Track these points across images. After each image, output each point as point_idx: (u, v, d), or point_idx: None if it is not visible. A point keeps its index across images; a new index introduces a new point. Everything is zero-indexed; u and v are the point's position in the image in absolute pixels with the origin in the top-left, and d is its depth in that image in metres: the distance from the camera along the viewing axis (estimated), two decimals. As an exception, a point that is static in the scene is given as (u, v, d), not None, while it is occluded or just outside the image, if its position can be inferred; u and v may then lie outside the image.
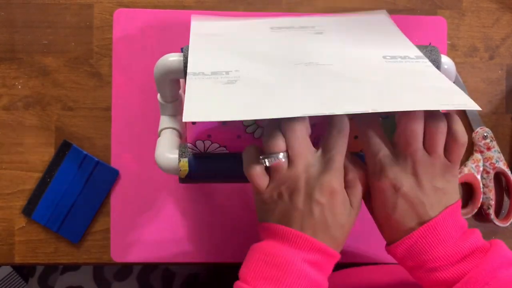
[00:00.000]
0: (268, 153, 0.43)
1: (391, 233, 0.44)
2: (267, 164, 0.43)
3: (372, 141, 0.44)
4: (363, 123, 0.45)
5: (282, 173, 0.42)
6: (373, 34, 0.55)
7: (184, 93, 0.58)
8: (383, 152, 0.43)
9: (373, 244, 0.66)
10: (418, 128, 0.42)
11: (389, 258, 0.47)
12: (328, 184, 0.41)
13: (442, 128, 0.42)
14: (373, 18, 0.59)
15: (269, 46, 0.52)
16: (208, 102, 0.41)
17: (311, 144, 0.43)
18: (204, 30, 0.55)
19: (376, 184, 0.43)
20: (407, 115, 0.42)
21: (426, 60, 0.48)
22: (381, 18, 0.59)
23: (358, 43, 0.53)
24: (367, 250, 0.67)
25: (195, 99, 0.41)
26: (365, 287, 0.56)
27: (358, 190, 0.44)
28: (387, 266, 0.62)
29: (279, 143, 0.42)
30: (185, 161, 0.49)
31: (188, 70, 0.45)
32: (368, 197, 0.46)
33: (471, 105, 0.40)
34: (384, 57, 0.49)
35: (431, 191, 0.42)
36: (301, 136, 0.42)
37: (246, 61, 0.48)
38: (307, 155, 0.42)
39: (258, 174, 0.43)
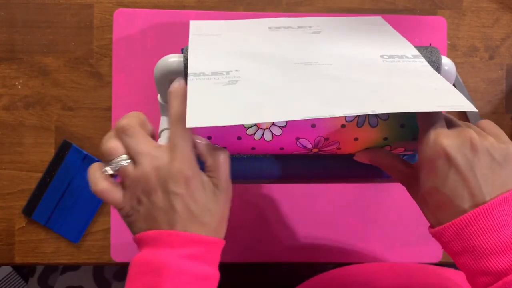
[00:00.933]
0: (108, 161, 0.41)
1: (438, 212, 0.40)
2: (111, 172, 0.41)
3: (433, 114, 0.41)
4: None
5: (131, 177, 0.40)
6: (370, 33, 0.56)
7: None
8: (441, 123, 0.41)
9: (373, 243, 0.67)
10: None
11: (390, 258, 0.47)
12: (179, 172, 0.39)
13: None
14: (369, 19, 0.60)
15: (268, 45, 0.52)
16: (210, 106, 0.41)
17: (150, 138, 0.42)
18: (203, 30, 0.55)
19: (426, 153, 0.40)
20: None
21: (423, 59, 0.48)
22: (377, 20, 0.59)
23: (355, 42, 0.53)
24: (367, 249, 0.67)
25: (196, 103, 0.41)
26: (367, 286, 0.56)
27: (221, 172, 0.42)
28: (388, 264, 0.62)
29: (115, 145, 0.41)
30: None
31: (189, 71, 0.45)
32: (408, 180, 0.44)
33: (467, 106, 0.39)
34: (381, 56, 0.49)
35: (488, 163, 0.38)
36: (136, 132, 0.41)
37: (246, 61, 0.48)
38: (149, 150, 0.40)
39: (106, 189, 0.41)
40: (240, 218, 0.65)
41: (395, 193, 0.67)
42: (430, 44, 0.52)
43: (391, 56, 0.49)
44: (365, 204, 0.67)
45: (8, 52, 0.64)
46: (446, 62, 0.50)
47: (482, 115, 0.68)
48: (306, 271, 0.62)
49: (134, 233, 0.42)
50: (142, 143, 0.40)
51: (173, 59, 0.49)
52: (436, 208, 0.40)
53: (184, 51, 0.49)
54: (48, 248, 0.65)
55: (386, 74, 0.46)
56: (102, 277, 0.80)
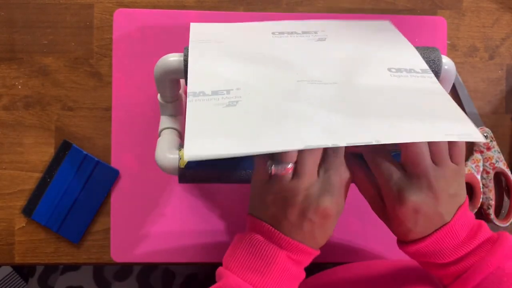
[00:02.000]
0: (277, 160, 0.44)
1: (405, 236, 0.45)
2: (273, 171, 0.44)
3: (384, 166, 0.45)
4: (370, 151, 0.46)
5: (283, 183, 0.44)
6: (377, 41, 0.54)
7: (184, 93, 0.58)
8: (396, 175, 0.44)
9: (373, 243, 0.67)
10: (423, 147, 0.43)
11: (390, 258, 0.47)
12: (323, 207, 0.43)
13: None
14: (377, 24, 0.58)
15: (271, 58, 0.50)
16: (209, 135, 0.40)
17: (317, 168, 0.45)
18: (203, 36, 0.54)
19: (396, 209, 0.44)
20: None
21: (432, 75, 0.47)
22: (386, 25, 0.58)
23: (362, 51, 0.51)
24: (367, 249, 0.67)
25: (195, 132, 0.40)
26: (364, 281, 0.56)
27: (345, 192, 0.46)
28: (386, 261, 0.62)
29: (293, 154, 0.44)
30: None
31: (188, 90, 0.44)
32: (377, 203, 0.47)
33: (475, 136, 0.40)
34: (389, 69, 0.48)
35: (447, 200, 0.44)
36: (314, 157, 0.44)
37: (247, 77, 0.46)
38: (312, 176, 0.44)
39: (264, 166, 0.45)
40: (240, 218, 0.65)
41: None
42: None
43: (399, 70, 0.48)
44: (365, 204, 0.67)
45: (8, 52, 0.64)
46: (446, 61, 0.50)
47: (481, 116, 0.68)
48: (306, 271, 0.62)
49: (253, 213, 0.46)
50: (313, 168, 0.44)
51: (173, 59, 0.49)
52: (404, 235, 0.45)
53: (185, 50, 0.49)
54: (48, 248, 0.64)
55: (392, 95, 0.45)
56: (102, 277, 0.80)
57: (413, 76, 0.47)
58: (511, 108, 0.69)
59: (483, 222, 0.46)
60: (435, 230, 0.44)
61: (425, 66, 0.48)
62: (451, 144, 0.44)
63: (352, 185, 0.67)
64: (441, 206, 0.43)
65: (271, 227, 0.44)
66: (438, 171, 0.43)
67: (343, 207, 0.46)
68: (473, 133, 0.40)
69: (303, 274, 0.46)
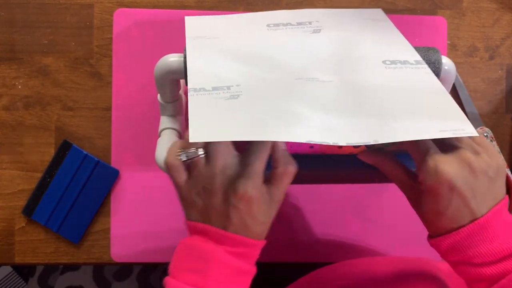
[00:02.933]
0: (187, 148, 0.44)
1: (438, 226, 0.43)
2: (184, 158, 0.43)
3: (420, 141, 0.43)
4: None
5: (198, 169, 0.43)
6: (370, 32, 0.54)
7: (185, 94, 0.58)
8: (433, 149, 0.42)
9: (373, 243, 0.67)
10: None
11: (389, 254, 0.47)
12: (243, 191, 0.42)
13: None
14: (369, 12, 0.58)
15: (269, 54, 0.50)
16: (213, 120, 0.41)
17: (232, 148, 0.44)
18: (199, 31, 0.54)
19: (431, 185, 0.42)
20: None
21: (425, 66, 0.48)
22: (378, 14, 0.58)
23: (357, 44, 0.52)
24: (368, 249, 0.67)
25: (199, 117, 0.41)
26: (366, 278, 0.56)
27: (283, 184, 0.44)
28: (387, 257, 0.62)
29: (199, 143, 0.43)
30: None
31: (189, 86, 0.45)
32: (407, 184, 0.46)
33: (468, 130, 0.40)
34: (384, 62, 0.48)
35: (484, 181, 0.41)
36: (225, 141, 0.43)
37: (246, 76, 0.46)
38: (225, 156, 0.43)
39: (176, 166, 0.44)
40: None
41: (396, 193, 0.67)
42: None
43: (393, 62, 0.48)
44: (366, 204, 0.67)
45: (8, 52, 0.64)
46: (446, 62, 0.50)
47: (482, 115, 0.68)
48: (306, 271, 0.62)
49: (187, 218, 0.45)
50: (223, 148, 0.43)
51: (173, 59, 0.49)
52: (436, 222, 0.43)
53: (185, 50, 0.49)
54: (48, 248, 0.64)
55: (388, 90, 0.45)
56: (102, 277, 0.80)
57: (407, 67, 0.47)
58: (511, 108, 0.69)
59: None
60: (470, 221, 0.41)
61: (418, 57, 0.49)
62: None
63: (352, 185, 0.67)
64: (478, 186, 0.41)
65: (203, 224, 0.43)
66: (476, 146, 0.42)
67: (280, 197, 0.44)
68: (467, 128, 0.41)
69: (252, 269, 0.44)
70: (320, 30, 0.54)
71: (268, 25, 0.55)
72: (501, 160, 0.43)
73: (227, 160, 0.43)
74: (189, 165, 0.44)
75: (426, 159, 0.42)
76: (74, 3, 0.65)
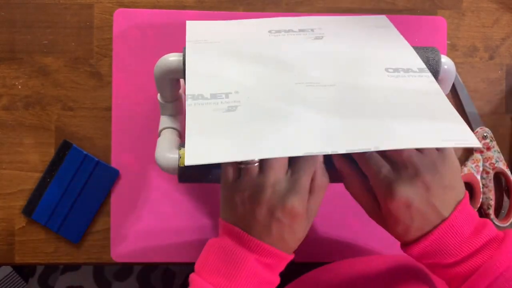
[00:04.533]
0: None
1: (406, 237, 0.44)
2: (240, 164, 0.44)
3: (372, 161, 0.44)
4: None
5: (250, 177, 0.44)
6: (374, 39, 0.53)
7: (184, 93, 0.58)
8: (385, 169, 0.44)
9: (373, 243, 0.67)
10: None
11: (387, 251, 0.47)
12: (290, 206, 0.42)
13: None
14: (373, 20, 0.58)
15: (269, 59, 0.50)
16: (210, 141, 0.40)
17: (286, 162, 0.44)
18: (200, 35, 0.53)
19: (388, 205, 0.43)
20: None
21: (429, 74, 0.47)
22: (382, 21, 0.57)
23: (359, 51, 0.51)
24: (367, 249, 0.67)
25: (196, 138, 0.40)
26: (361, 277, 0.57)
27: (320, 196, 0.46)
28: (383, 256, 0.62)
29: None
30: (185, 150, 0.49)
31: (187, 92, 0.44)
32: (371, 206, 0.47)
33: (471, 142, 0.40)
34: (386, 69, 0.47)
35: (441, 192, 0.42)
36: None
37: (245, 81, 0.46)
38: (279, 171, 0.43)
39: (232, 164, 0.45)
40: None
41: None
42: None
43: (396, 70, 0.47)
44: (365, 204, 0.67)
45: (8, 52, 0.64)
46: (446, 61, 0.50)
47: (481, 116, 0.68)
48: (305, 271, 0.62)
49: (223, 217, 0.46)
50: (278, 163, 0.44)
51: (173, 58, 0.49)
52: (402, 235, 0.45)
53: (185, 50, 0.49)
54: (48, 248, 0.64)
55: (390, 98, 0.45)
56: (102, 277, 0.80)
57: (410, 76, 0.47)
58: (511, 108, 0.69)
59: (488, 221, 0.44)
60: (435, 227, 0.43)
61: (422, 65, 0.48)
62: None
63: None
64: (435, 197, 0.42)
65: (240, 230, 0.44)
66: (424, 158, 0.43)
67: (316, 211, 0.45)
68: (470, 139, 0.40)
69: (276, 280, 0.45)
70: (322, 37, 0.53)
71: (269, 31, 0.55)
72: (455, 162, 0.44)
73: (279, 175, 0.43)
74: (242, 169, 0.44)
75: (379, 178, 0.43)
76: (74, 3, 0.65)
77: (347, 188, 0.48)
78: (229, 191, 0.45)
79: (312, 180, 0.45)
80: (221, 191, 0.46)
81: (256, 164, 0.44)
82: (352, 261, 0.61)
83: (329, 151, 0.39)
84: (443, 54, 0.60)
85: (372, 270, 0.57)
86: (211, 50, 0.51)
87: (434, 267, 0.45)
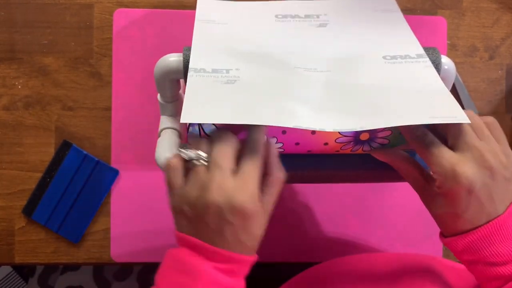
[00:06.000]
0: (190, 148, 0.42)
1: (454, 227, 0.42)
2: (187, 157, 0.41)
3: (434, 147, 0.42)
4: (415, 139, 0.43)
5: (196, 179, 0.41)
6: (378, 25, 0.54)
7: (184, 93, 0.58)
8: (448, 153, 0.41)
9: (374, 242, 0.67)
10: (464, 125, 0.42)
11: (387, 251, 0.47)
12: (240, 206, 0.39)
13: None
14: (381, 1, 0.58)
15: (273, 43, 0.52)
16: (206, 104, 0.41)
17: (233, 161, 0.41)
18: (209, 15, 0.55)
19: (448, 188, 0.41)
20: None
21: (427, 59, 0.47)
22: (388, 3, 0.57)
23: (360, 39, 0.52)
24: (368, 249, 0.67)
25: (193, 100, 0.41)
26: (366, 275, 0.56)
27: (275, 191, 0.43)
28: (387, 254, 0.62)
29: (205, 143, 0.42)
30: None
31: (190, 65, 0.45)
32: (421, 185, 0.45)
33: (460, 118, 0.40)
34: (384, 57, 0.48)
35: (503, 184, 0.40)
36: (228, 147, 0.41)
37: (247, 60, 0.47)
38: (225, 168, 0.40)
39: (176, 167, 0.42)
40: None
41: (396, 193, 0.67)
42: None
43: (394, 57, 0.48)
44: (366, 204, 0.67)
45: (8, 52, 0.64)
46: (446, 61, 0.50)
47: (482, 115, 0.67)
48: (305, 269, 0.62)
49: (177, 228, 0.43)
50: (225, 154, 0.41)
51: (173, 58, 0.49)
52: (452, 223, 0.42)
53: (184, 50, 0.49)
54: (48, 248, 0.64)
55: (383, 80, 0.45)
56: (102, 277, 0.80)
57: (407, 61, 0.47)
58: (511, 108, 0.69)
59: None
60: (487, 221, 0.40)
61: (421, 51, 0.48)
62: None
63: (353, 185, 0.67)
64: (496, 188, 0.40)
65: (193, 239, 0.41)
66: (486, 145, 0.41)
67: (271, 206, 0.43)
68: (458, 115, 0.40)
69: (241, 285, 0.42)
70: (326, 24, 0.54)
71: (276, 16, 0.56)
72: (498, 145, 0.42)
73: (226, 173, 0.40)
74: (188, 171, 0.42)
75: (441, 162, 0.41)
76: (74, 3, 0.65)
77: (398, 167, 0.46)
78: (177, 197, 0.42)
79: (267, 175, 0.43)
80: (169, 201, 0.43)
81: (204, 162, 0.41)
82: (354, 258, 0.61)
83: (317, 128, 0.40)
84: (443, 54, 0.60)
85: (376, 267, 0.56)
86: (218, 32, 0.52)
87: (474, 264, 0.42)
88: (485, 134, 0.42)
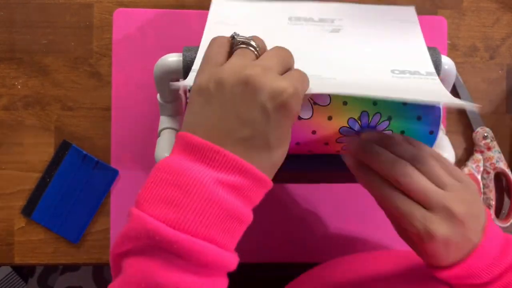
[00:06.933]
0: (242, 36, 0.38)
1: (435, 264, 0.43)
2: (239, 38, 0.37)
3: (404, 207, 0.41)
4: (383, 193, 0.42)
5: (241, 60, 0.35)
6: (392, 36, 0.53)
7: (184, 94, 0.58)
8: (419, 212, 0.41)
9: (373, 243, 0.67)
10: (421, 179, 0.41)
11: (393, 246, 0.46)
12: (286, 97, 0.33)
13: (433, 161, 0.42)
14: (400, 13, 0.57)
15: (282, 45, 0.52)
16: None
17: (282, 69, 0.36)
18: (221, 17, 0.54)
19: (425, 245, 0.41)
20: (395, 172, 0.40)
21: (436, 77, 0.46)
22: (409, 14, 0.57)
23: (370, 50, 0.51)
24: (368, 249, 0.67)
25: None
26: (370, 274, 0.56)
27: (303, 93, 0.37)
28: (392, 252, 0.62)
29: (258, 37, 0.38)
30: None
31: (194, 66, 0.45)
32: (401, 233, 0.45)
33: (468, 104, 0.41)
34: (392, 71, 0.47)
35: (473, 223, 0.41)
36: (281, 57, 0.37)
37: None
38: (276, 63, 0.35)
39: (221, 41, 0.37)
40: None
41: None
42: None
43: (402, 72, 0.47)
44: (366, 204, 0.67)
45: (8, 52, 0.64)
46: (446, 61, 0.50)
47: (482, 115, 0.68)
48: (306, 271, 0.62)
49: (184, 124, 0.35)
50: (276, 56, 0.36)
51: (172, 59, 0.49)
52: (432, 262, 0.43)
53: (184, 50, 0.49)
54: (47, 248, 0.64)
55: (389, 85, 0.45)
56: (101, 278, 0.80)
57: (416, 78, 0.47)
58: (511, 108, 0.69)
59: (509, 236, 0.44)
60: (467, 254, 0.42)
61: (431, 69, 0.48)
62: (444, 166, 0.42)
63: (353, 185, 0.67)
64: (469, 231, 0.41)
65: (194, 136, 0.32)
66: (451, 195, 0.41)
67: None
68: (467, 104, 0.42)
69: (248, 214, 0.34)
70: (339, 30, 0.53)
71: (289, 18, 0.55)
72: (471, 182, 0.43)
73: (274, 69, 0.35)
74: (234, 50, 0.36)
75: (414, 222, 0.40)
76: (74, 3, 0.65)
77: (383, 207, 0.45)
78: (206, 75, 0.34)
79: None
80: (195, 79, 0.35)
81: (255, 47, 0.36)
82: (357, 257, 0.60)
83: (346, 91, 0.40)
84: (444, 54, 0.60)
85: (381, 267, 0.56)
86: (228, 33, 0.52)
87: (463, 286, 0.44)
88: (442, 179, 0.41)
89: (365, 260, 0.59)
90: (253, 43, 0.37)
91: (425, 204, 0.41)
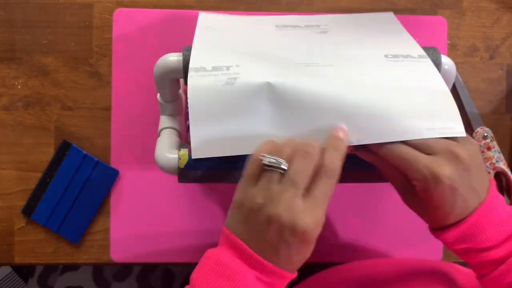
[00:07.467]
0: (272, 154, 0.41)
1: (443, 222, 0.43)
2: (266, 161, 0.40)
3: (408, 155, 0.42)
4: (384, 149, 0.44)
5: (268, 184, 0.40)
6: (378, 33, 0.55)
7: (184, 93, 0.58)
8: (423, 157, 0.42)
9: (374, 242, 0.67)
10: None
11: (390, 254, 0.47)
12: (303, 230, 0.39)
13: None
14: (379, 16, 0.59)
15: (273, 43, 0.52)
16: (212, 137, 0.44)
17: (310, 179, 0.41)
18: (210, 24, 0.55)
19: (431, 191, 0.42)
20: None
21: (428, 60, 0.48)
22: (388, 17, 0.58)
23: (361, 42, 0.52)
24: (368, 249, 0.67)
25: (199, 133, 0.44)
26: (371, 280, 0.56)
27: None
28: (391, 259, 0.62)
29: (286, 148, 0.41)
30: (185, 151, 0.49)
31: (190, 65, 0.46)
32: (408, 195, 0.46)
33: (457, 129, 0.42)
34: (385, 55, 0.48)
35: (478, 172, 0.42)
36: (309, 163, 0.40)
37: (247, 57, 0.48)
38: (300, 184, 0.40)
39: (255, 166, 0.41)
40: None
41: (396, 192, 0.67)
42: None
43: (395, 56, 0.48)
44: (366, 203, 0.67)
45: (8, 52, 0.64)
46: (446, 61, 0.50)
47: (482, 115, 0.68)
48: (306, 271, 0.62)
49: (227, 223, 0.42)
50: (303, 173, 0.40)
51: (172, 58, 0.49)
52: (440, 219, 0.43)
53: (184, 50, 0.49)
54: (47, 248, 0.64)
55: (386, 82, 0.45)
56: (101, 277, 0.80)
57: (409, 60, 0.48)
58: (511, 108, 0.69)
59: None
60: (474, 210, 0.42)
61: (422, 52, 0.49)
62: None
63: (353, 185, 0.67)
64: (474, 179, 0.42)
65: (243, 243, 0.40)
66: (455, 142, 0.42)
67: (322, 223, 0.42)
68: (455, 127, 0.42)
69: None
70: (327, 31, 0.55)
71: (276, 26, 0.57)
72: (475, 142, 0.44)
73: (299, 192, 0.40)
74: (264, 171, 0.41)
75: (419, 167, 0.41)
76: (73, 3, 0.65)
77: (385, 173, 0.46)
78: (242, 194, 0.41)
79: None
80: (236, 190, 0.42)
81: (281, 171, 0.40)
82: (359, 264, 0.61)
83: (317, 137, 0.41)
84: (444, 54, 0.60)
85: (382, 274, 0.56)
86: (219, 35, 0.53)
87: (467, 252, 0.44)
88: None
89: (367, 267, 0.59)
90: (283, 166, 0.40)
91: (430, 151, 0.42)
